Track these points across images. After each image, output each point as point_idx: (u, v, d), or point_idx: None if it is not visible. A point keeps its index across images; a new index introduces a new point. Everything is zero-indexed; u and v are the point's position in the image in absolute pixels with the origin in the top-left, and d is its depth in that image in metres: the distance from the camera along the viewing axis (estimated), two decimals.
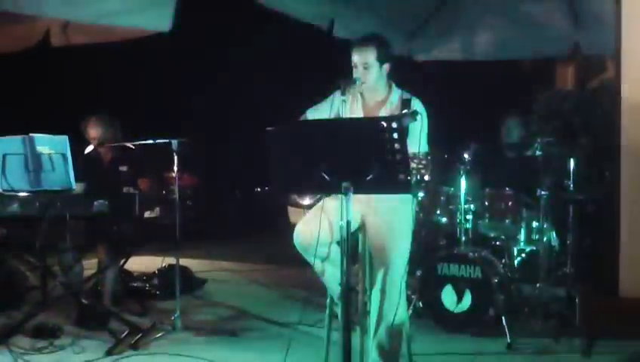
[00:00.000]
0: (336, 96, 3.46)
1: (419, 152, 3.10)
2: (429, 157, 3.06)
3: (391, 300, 3.41)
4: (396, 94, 3.55)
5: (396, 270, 3.42)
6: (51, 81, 8.46)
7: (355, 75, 3.48)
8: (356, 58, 3.47)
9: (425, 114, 3.47)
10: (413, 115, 3.29)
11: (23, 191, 4.20)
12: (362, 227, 3.54)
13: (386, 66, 3.51)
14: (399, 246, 3.44)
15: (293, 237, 3.47)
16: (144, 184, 5.05)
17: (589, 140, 5.93)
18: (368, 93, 3.57)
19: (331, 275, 3.48)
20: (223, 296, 5.82)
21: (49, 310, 4.71)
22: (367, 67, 3.45)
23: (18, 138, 4.18)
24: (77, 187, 4.36)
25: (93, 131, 4.99)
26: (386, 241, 3.44)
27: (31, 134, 4.18)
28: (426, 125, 3.44)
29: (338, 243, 3.38)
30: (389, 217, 3.44)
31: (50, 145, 4.17)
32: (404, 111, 3.39)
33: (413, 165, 2.96)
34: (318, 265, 3.47)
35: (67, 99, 7.99)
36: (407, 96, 3.51)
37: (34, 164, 4.16)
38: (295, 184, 3.12)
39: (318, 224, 3.35)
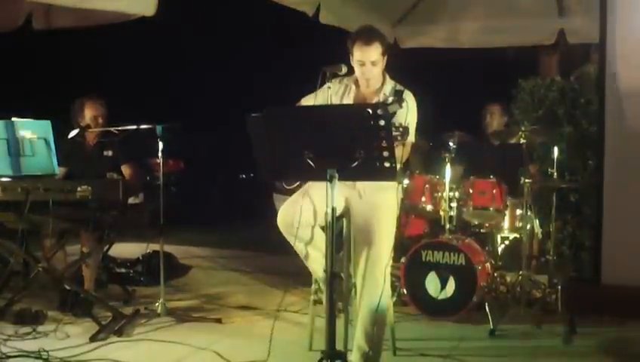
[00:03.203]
0: (326, 86, 3.45)
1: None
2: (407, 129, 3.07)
3: (375, 285, 3.41)
4: (389, 85, 3.53)
5: (380, 254, 3.43)
6: (33, 65, 8.37)
7: (361, 72, 3.44)
8: (363, 56, 3.40)
9: (415, 107, 3.47)
10: (399, 102, 3.28)
11: (5, 176, 4.15)
12: (347, 212, 3.54)
13: (386, 58, 3.49)
14: (383, 230, 3.45)
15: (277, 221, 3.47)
16: (128, 170, 5.02)
17: (572, 129, 5.98)
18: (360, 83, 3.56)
19: (315, 259, 3.49)
20: (207, 283, 5.81)
21: (32, 296, 4.69)
22: (375, 63, 3.42)
23: (0, 122, 4.13)
24: (59, 171, 4.32)
25: (91, 112, 4.93)
26: (370, 226, 3.44)
27: (13, 118, 4.14)
28: (415, 118, 3.46)
29: (322, 228, 3.39)
30: (374, 201, 3.45)
31: (33, 130, 4.13)
32: (389, 98, 3.38)
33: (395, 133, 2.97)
34: (300, 248, 3.47)
35: (50, 83, 7.92)
36: (399, 88, 3.49)
37: (16, 148, 4.11)
38: (280, 171, 3.11)
39: (300, 206, 3.35)
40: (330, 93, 3.46)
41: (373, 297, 3.42)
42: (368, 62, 3.41)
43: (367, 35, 3.44)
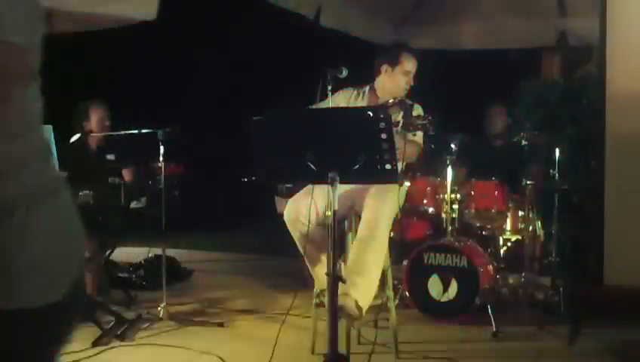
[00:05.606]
0: (340, 94, 3.52)
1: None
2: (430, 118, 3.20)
3: (373, 254, 3.43)
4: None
5: (380, 227, 3.45)
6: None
7: (405, 81, 3.65)
8: (413, 66, 3.66)
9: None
10: (400, 105, 3.29)
11: None
12: (350, 214, 3.55)
13: None
14: (385, 209, 3.48)
15: (280, 226, 3.48)
16: (130, 174, 5.03)
17: (574, 130, 5.96)
18: (382, 92, 3.62)
19: (315, 260, 3.50)
20: (209, 287, 5.81)
21: None
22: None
23: None
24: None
25: (97, 115, 4.95)
26: (374, 201, 3.47)
27: None
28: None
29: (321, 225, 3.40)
30: (385, 188, 3.47)
31: None
32: (389, 101, 3.38)
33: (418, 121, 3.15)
34: (303, 244, 3.48)
35: (52, 88, 7.91)
36: (409, 102, 3.58)
37: None
38: (282, 173, 3.11)
39: (306, 201, 3.37)
40: (335, 102, 3.52)
41: (369, 266, 3.42)
42: (412, 73, 3.66)
43: (412, 50, 3.75)
